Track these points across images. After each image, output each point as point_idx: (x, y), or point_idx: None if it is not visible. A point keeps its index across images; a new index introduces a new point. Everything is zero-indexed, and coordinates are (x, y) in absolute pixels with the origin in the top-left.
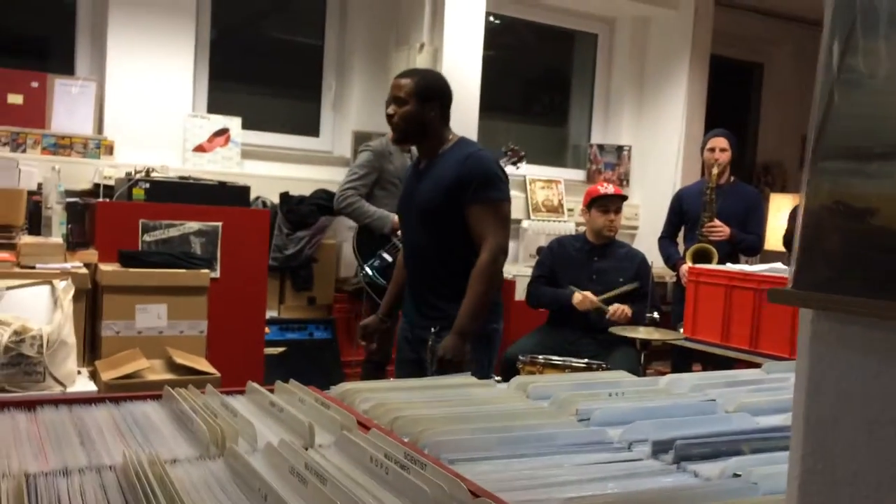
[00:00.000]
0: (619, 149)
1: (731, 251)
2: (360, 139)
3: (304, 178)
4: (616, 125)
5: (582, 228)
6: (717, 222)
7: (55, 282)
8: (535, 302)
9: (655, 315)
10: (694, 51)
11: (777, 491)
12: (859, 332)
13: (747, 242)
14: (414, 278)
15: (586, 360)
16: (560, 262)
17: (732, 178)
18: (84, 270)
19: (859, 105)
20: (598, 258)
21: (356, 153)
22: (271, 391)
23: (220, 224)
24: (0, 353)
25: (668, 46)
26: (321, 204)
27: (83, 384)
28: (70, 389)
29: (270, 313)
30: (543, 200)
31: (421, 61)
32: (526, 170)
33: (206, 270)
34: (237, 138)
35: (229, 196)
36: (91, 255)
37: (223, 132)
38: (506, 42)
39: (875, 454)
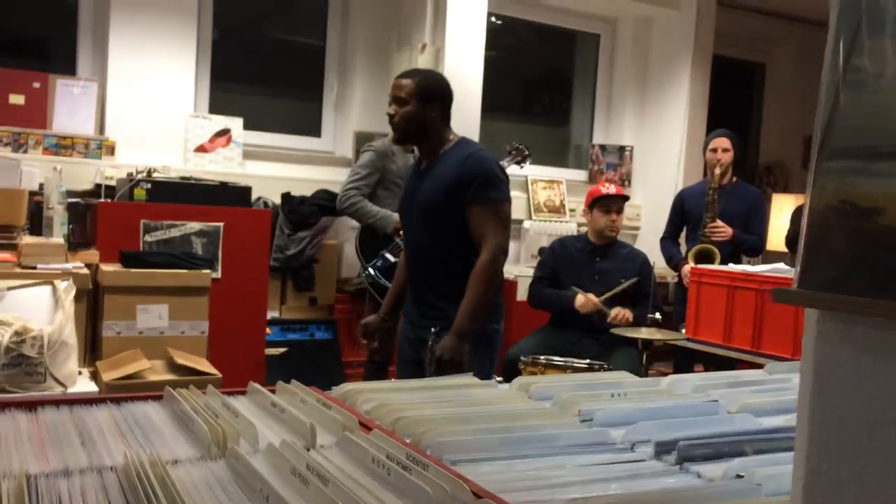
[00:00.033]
0: (621, 149)
1: (733, 252)
2: (362, 139)
3: (306, 179)
4: (618, 125)
5: (584, 229)
6: (719, 223)
7: (56, 282)
8: (536, 303)
9: (657, 316)
10: (696, 51)
11: (780, 492)
12: (865, 333)
13: (749, 243)
14: (414, 278)
15: (588, 361)
16: (562, 262)
17: (735, 179)
18: (85, 271)
19: (865, 104)
20: (599, 258)
21: (358, 153)
22: (273, 392)
23: (221, 224)
24: (1, 353)
25: (670, 46)
26: (322, 204)
27: (84, 385)
28: (71, 390)
29: (272, 314)
30: (545, 201)
31: (423, 62)
32: (528, 170)
33: (208, 271)
34: (238, 139)
35: (231, 196)
36: (92, 255)
37: (225, 132)
38: (507, 42)
39: (880, 454)
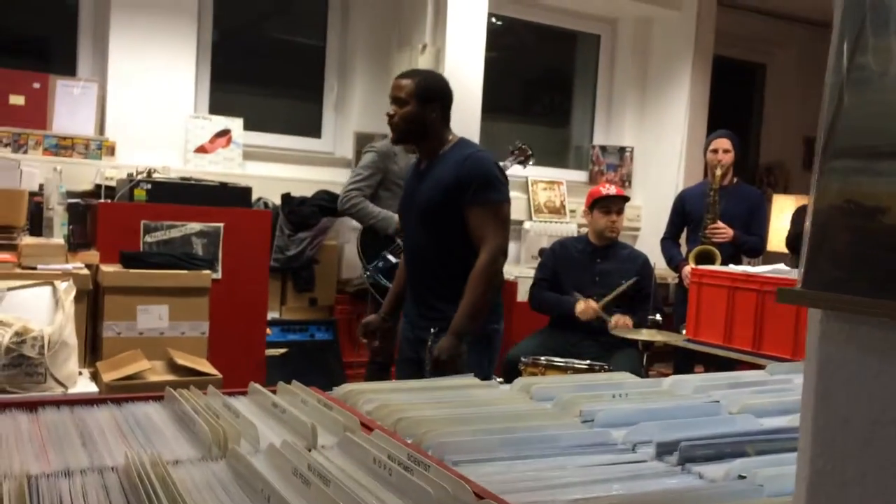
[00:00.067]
0: (622, 150)
1: (733, 253)
2: (362, 140)
3: (306, 179)
4: (618, 126)
5: (584, 230)
6: (720, 224)
7: (56, 283)
8: (537, 306)
9: (658, 317)
10: (696, 51)
11: (783, 493)
12: (869, 333)
13: (750, 244)
14: (414, 279)
15: (588, 362)
16: (562, 263)
17: (735, 179)
18: (85, 271)
19: (869, 103)
20: (600, 260)
21: (358, 154)
22: (273, 392)
23: (221, 225)
24: (1, 354)
25: (670, 47)
26: (323, 205)
27: (84, 385)
28: (71, 390)
29: (272, 314)
30: (545, 201)
31: (423, 62)
32: (528, 171)
33: (208, 271)
34: (239, 139)
35: (231, 197)
36: (92, 255)
37: (225, 133)
38: (508, 43)
39: (884, 455)
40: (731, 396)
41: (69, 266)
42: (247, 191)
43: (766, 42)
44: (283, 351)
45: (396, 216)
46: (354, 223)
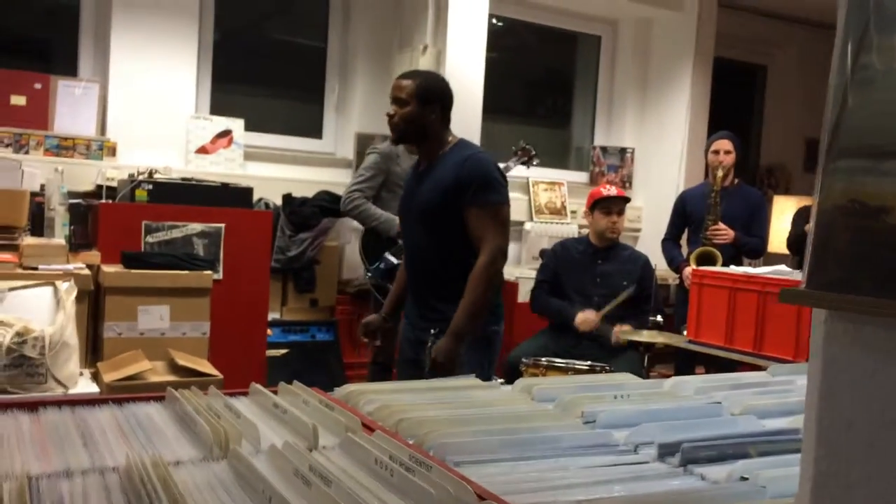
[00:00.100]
0: (622, 151)
1: (734, 254)
2: (363, 141)
3: (307, 180)
4: (619, 127)
5: (585, 231)
6: (721, 225)
7: (58, 283)
8: (538, 310)
9: (658, 318)
10: (697, 53)
11: (785, 494)
12: (874, 333)
13: (751, 245)
14: (414, 280)
15: (589, 363)
16: (563, 265)
17: (736, 181)
18: (86, 272)
19: (874, 102)
20: (601, 261)
21: (359, 155)
22: (274, 393)
23: (222, 225)
24: (2, 354)
25: (671, 48)
26: (324, 206)
27: (85, 386)
28: (72, 391)
29: (272, 315)
30: (546, 202)
31: (424, 63)
32: (529, 172)
33: (209, 272)
34: (240, 140)
35: (232, 197)
36: (93, 256)
37: (226, 134)
38: (509, 44)
39: (889, 457)
40: (733, 398)
41: (70, 266)
42: (248, 191)
43: (767, 43)
44: (283, 352)
45: (397, 219)
46: (355, 224)
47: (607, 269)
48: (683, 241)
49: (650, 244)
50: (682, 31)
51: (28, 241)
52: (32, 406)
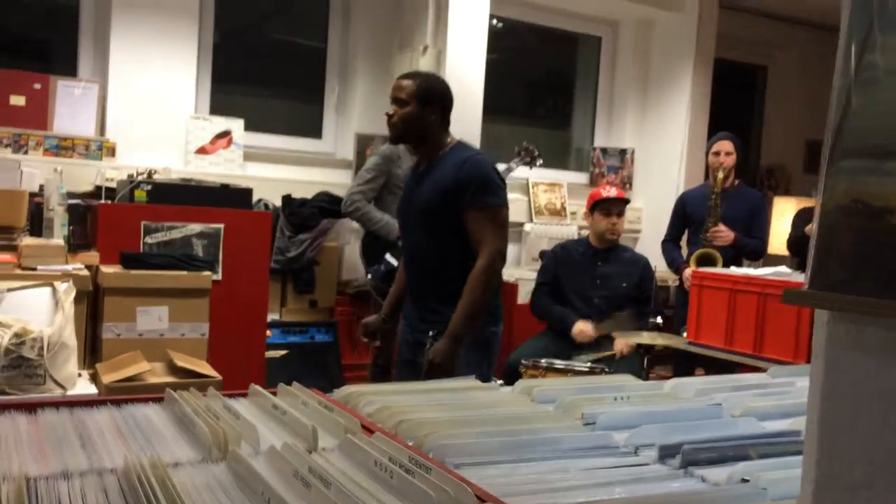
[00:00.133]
0: (623, 152)
1: (734, 256)
2: (363, 141)
3: (307, 181)
4: (619, 128)
5: (585, 232)
6: (721, 227)
7: (56, 284)
8: (539, 313)
9: (658, 319)
10: (697, 54)
11: (786, 496)
12: (877, 334)
13: (751, 247)
14: (413, 281)
15: (589, 365)
16: (563, 267)
17: (737, 182)
18: (85, 272)
19: (878, 103)
20: (601, 263)
21: (359, 155)
22: (274, 394)
23: (221, 226)
24: (0, 355)
25: (671, 49)
26: (323, 206)
27: (84, 387)
28: (70, 392)
29: (272, 316)
30: (546, 204)
31: (424, 64)
32: (529, 172)
33: (208, 273)
34: (239, 140)
35: (231, 198)
36: (92, 256)
37: (225, 134)
38: (509, 45)
39: (892, 458)
40: (734, 399)
41: (69, 267)
42: (247, 192)
43: (768, 44)
44: (283, 353)
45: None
46: (355, 225)
47: (607, 271)
48: (683, 242)
49: (650, 245)
50: (683, 32)
51: (27, 241)
52: (31, 407)
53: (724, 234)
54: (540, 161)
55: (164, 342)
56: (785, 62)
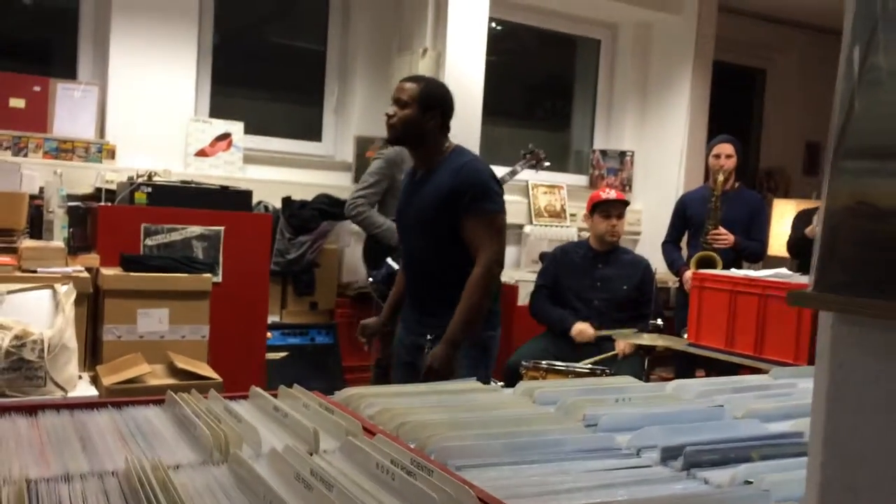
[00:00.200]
0: (622, 154)
1: (734, 258)
2: (363, 144)
3: (307, 183)
4: (619, 130)
5: (585, 234)
6: (721, 230)
7: (56, 286)
8: (537, 315)
9: (659, 321)
10: (697, 56)
11: (789, 498)
12: (881, 336)
13: (751, 249)
14: (412, 285)
15: (590, 366)
16: (563, 270)
17: (737, 184)
18: (85, 274)
19: (882, 104)
20: (601, 265)
21: (359, 158)
22: (275, 396)
23: (222, 228)
24: (1, 357)
25: (670, 52)
26: (323, 209)
27: (84, 389)
28: (71, 394)
29: (272, 318)
30: (546, 205)
31: (423, 66)
32: (528, 175)
33: (208, 275)
34: (239, 143)
35: (231, 200)
36: (93, 259)
37: (225, 136)
38: (508, 47)
39: None
40: (735, 401)
41: (69, 269)
42: (247, 194)
43: (767, 47)
44: (283, 355)
45: None
46: (355, 227)
47: (608, 273)
48: (683, 244)
49: (650, 247)
50: (682, 35)
51: (27, 243)
52: (31, 410)
53: (724, 237)
54: (547, 164)
55: (165, 344)
56: (784, 65)
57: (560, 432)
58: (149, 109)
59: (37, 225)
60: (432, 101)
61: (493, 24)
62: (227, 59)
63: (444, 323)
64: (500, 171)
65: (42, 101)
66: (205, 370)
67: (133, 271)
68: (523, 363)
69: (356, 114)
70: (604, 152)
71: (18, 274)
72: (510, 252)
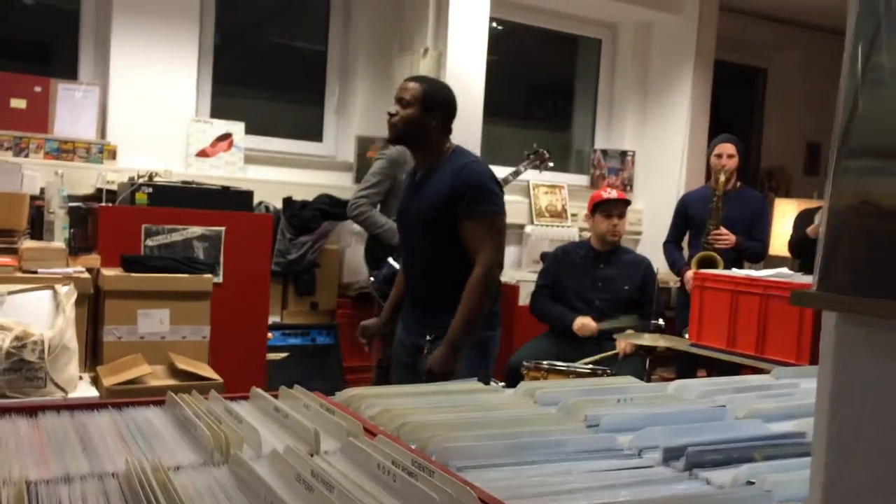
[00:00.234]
0: (623, 154)
1: (736, 258)
2: (364, 144)
3: (307, 183)
4: (619, 130)
5: (586, 234)
6: (722, 230)
7: (57, 287)
8: (538, 315)
9: (660, 321)
10: (698, 56)
11: (792, 498)
12: (886, 336)
13: (752, 249)
14: (412, 286)
15: (591, 366)
16: (564, 270)
17: (738, 184)
18: (86, 275)
19: (885, 102)
20: (603, 265)
21: (359, 158)
22: (275, 397)
23: (222, 229)
24: (1, 358)
25: (671, 51)
26: (324, 209)
27: (85, 390)
28: (71, 395)
29: (273, 318)
30: (547, 205)
31: (424, 66)
32: (529, 175)
33: (209, 275)
34: (240, 143)
35: (232, 201)
36: (93, 259)
37: (226, 137)
38: (509, 47)
39: None
40: (737, 401)
41: (70, 270)
42: (248, 194)
43: (767, 46)
44: (284, 355)
45: None
46: (356, 227)
47: (609, 273)
48: (685, 243)
49: (651, 247)
50: (683, 35)
51: (28, 244)
52: (31, 411)
53: (725, 237)
54: (551, 164)
55: (165, 345)
56: (785, 64)
57: (561, 433)
58: (150, 110)
59: (38, 225)
60: (434, 102)
61: (494, 24)
62: (228, 60)
63: (444, 324)
64: (503, 171)
65: (43, 102)
66: (205, 371)
67: (134, 272)
68: (524, 363)
69: (357, 114)
70: (605, 152)
71: (19, 275)
72: (511, 252)
